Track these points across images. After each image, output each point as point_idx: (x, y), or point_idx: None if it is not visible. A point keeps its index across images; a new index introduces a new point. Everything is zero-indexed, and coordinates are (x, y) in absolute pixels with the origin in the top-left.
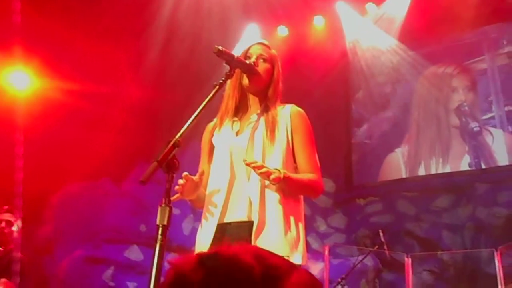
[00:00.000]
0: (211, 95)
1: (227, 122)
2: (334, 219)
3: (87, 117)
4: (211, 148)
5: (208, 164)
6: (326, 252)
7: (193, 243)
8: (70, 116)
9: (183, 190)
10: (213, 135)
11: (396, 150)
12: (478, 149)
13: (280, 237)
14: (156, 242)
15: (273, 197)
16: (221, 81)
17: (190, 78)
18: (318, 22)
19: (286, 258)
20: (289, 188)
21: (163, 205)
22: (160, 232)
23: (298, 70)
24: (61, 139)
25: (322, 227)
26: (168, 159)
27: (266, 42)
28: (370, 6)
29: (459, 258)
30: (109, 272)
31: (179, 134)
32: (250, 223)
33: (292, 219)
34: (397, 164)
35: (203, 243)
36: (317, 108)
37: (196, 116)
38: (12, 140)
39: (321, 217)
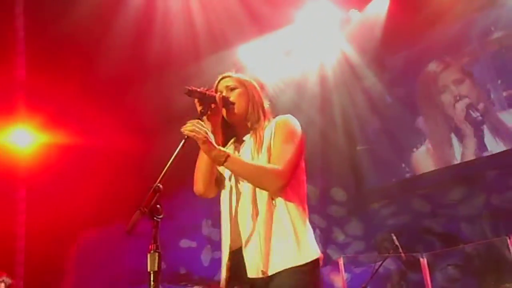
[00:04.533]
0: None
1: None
2: (350, 227)
3: (91, 168)
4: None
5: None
6: (341, 263)
7: (214, 273)
8: (73, 169)
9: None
10: None
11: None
12: (483, 138)
13: (276, 254)
14: None
15: (264, 210)
16: (199, 117)
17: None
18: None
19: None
20: (234, 170)
21: (151, 251)
22: (152, 278)
23: None
24: (66, 192)
25: (340, 237)
26: (150, 205)
27: (230, 74)
28: (353, 12)
29: (482, 248)
30: None
31: (159, 180)
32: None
33: (286, 233)
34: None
35: (223, 272)
36: (316, 120)
37: (173, 160)
38: (15, 196)
39: (337, 228)
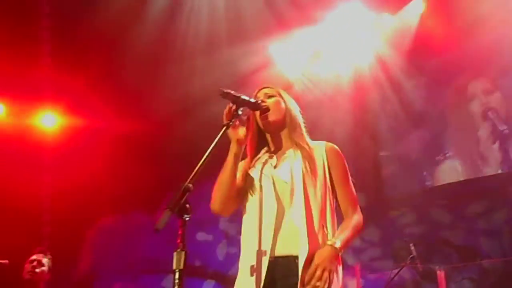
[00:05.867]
0: (219, 136)
1: (262, 157)
2: (367, 233)
3: (116, 152)
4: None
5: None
6: (358, 269)
7: (228, 267)
8: (98, 152)
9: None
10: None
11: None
12: (509, 152)
13: None
14: (173, 287)
15: (317, 227)
16: (229, 122)
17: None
18: None
19: None
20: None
21: (178, 250)
22: (177, 276)
23: None
24: (88, 175)
25: (357, 242)
26: (180, 204)
27: (271, 85)
28: (385, 16)
29: (499, 264)
30: None
31: (189, 179)
32: (296, 257)
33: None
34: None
35: (253, 278)
36: (343, 121)
37: (205, 159)
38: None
39: None
